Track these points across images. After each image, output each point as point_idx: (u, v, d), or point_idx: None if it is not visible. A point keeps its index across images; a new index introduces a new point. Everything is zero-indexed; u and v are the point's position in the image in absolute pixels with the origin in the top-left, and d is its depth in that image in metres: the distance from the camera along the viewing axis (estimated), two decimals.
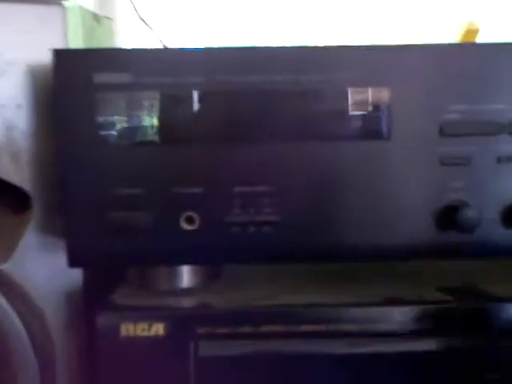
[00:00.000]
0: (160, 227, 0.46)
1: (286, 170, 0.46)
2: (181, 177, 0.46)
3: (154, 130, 0.46)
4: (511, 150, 0.45)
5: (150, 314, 0.46)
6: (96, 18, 0.57)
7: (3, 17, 0.48)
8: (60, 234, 0.49)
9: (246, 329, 0.45)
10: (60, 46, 0.49)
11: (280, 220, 0.46)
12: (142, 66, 0.45)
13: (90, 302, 0.51)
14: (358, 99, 0.45)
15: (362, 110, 0.45)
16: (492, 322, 0.46)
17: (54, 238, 0.51)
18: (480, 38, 0.66)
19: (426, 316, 0.46)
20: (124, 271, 0.53)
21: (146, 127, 0.45)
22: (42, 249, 0.51)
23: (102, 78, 0.45)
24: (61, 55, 0.45)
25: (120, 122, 0.45)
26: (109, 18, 0.61)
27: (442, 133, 0.45)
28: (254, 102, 0.45)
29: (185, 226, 0.46)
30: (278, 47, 0.46)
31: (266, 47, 0.46)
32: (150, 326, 0.45)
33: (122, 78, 0.45)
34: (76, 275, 0.52)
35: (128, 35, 0.76)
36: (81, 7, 0.54)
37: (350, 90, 0.45)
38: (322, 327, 0.45)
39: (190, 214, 0.46)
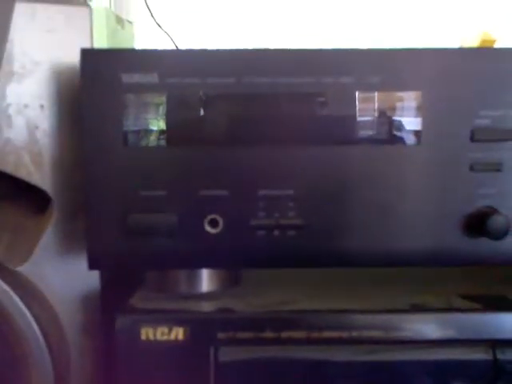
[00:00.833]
0: (184, 230, 0.45)
1: (310, 174, 0.45)
2: (205, 179, 0.45)
3: (178, 131, 0.45)
4: None
5: (170, 317, 0.45)
6: (119, 20, 0.58)
7: (31, 17, 0.48)
8: (79, 237, 0.49)
9: (267, 334, 0.45)
10: (85, 46, 0.48)
11: (304, 224, 0.45)
12: (168, 66, 0.45)
13: (108, 305, 0.51)
14: (388, 103, 0.45)
15: (393, 114, 0.45)
16: None
17: (72, 241, 0.50)
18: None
19: (454, 324, 0.45)
20: (143, 275, 0.52)
21: (168, 128, 0.45)
22: (60, 251, 0.50)
23: (130, 78, 0.45)
24: (89, 55, 0.45)
25: (147, 123, 0.45)
26: (130, 22, 0.62)
27: (473, 138, 0.45)
28: (279, 104, 0.45)
29: (209, 228, 0.45)
30: (306, 49, 0.45)
31: (292, 49, 0.45)
32: (170, 330, 0.45)
33: (150, 78, 0.45)
34: (94, 278, 0.51)
35: (143, 39, 0.77)
36: (106, 9, 0.54)
37: (379, 94, 0.45)
38: (345, 334, 0.45)
39: (214, 216, 0.45)
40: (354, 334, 0.45)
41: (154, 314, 0.46)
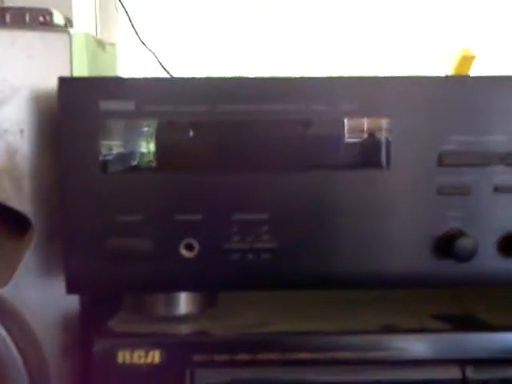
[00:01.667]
0: (160, 254, 0.46)
1: (284, 198, 0.46)
2: (180, 204, 0.46)
3: (155, 157, 0.46)
4: (508, 181, 0.46)
5: (146, 341, 0.46)
6: (100, 44, 0.58)
7: (10, 43, 0.49)
8: (58, 260, 0.49)
9: (243, 356, 0.45)
10: (65, 72, 0.49)
11: (278, 247, 0.46)
12: (145, 94, 0.46)
13: (87, 328, 0.51)
14: (357, 128, 0.46)
15: (360, 139, 0.46)
16: (488, 352, 0.45)
17: (52, 264, 0.50)
18: (476, 66, 0.67)
19: (424, 344, 0.46)
20: (121, 297, 0.53)
21: (146, 154, 0.46)
22: (39, 274, 0.50)
23: (108, 105, 0.45)
24: (66, 83, 0.46)
25: (123, 149, 0.46)
26: (112, 44, 0.62)
27: (441, 163, 0.45)
28: (253, 130, 0.46)
29: (184, 253, 0.46)
30: (278, 77, 0.46)
31: (265, 77, 0.46)
32: (147, 354, 0.45)
33: (127, 105, 0.46)
34: (73, 301, 0.51)
35: (129, 59, 0.78)
36: (86, 34, 0.54)
37: (348, 120, 0.46)
38: (319, 355, 0.45)
39: (189, 240, 0.46)
40: (328, 355, 0.45)
41: (130, 337, 0.47)
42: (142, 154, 0.46)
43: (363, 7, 0.90)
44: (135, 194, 0.46)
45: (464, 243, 0.44)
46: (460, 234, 0.45)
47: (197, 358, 0.45)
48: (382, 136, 0.46)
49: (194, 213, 0.46)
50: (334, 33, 0.90)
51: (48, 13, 0.52)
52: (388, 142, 0.46)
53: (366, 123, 0.46)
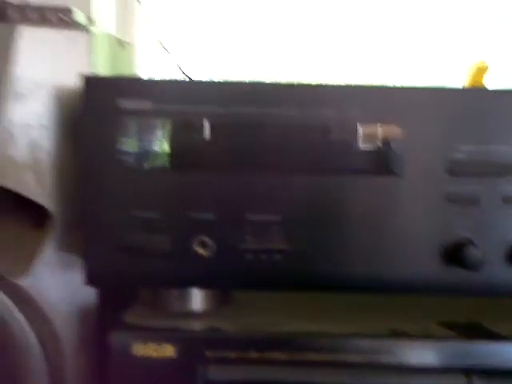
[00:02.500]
0: (175, 250, 0.47)
1: (297, 201, 0.47)
2: (196, 202, 0.47)
3: (172, 155, 0.47)
4: None
5: (160, 334, 0.47)
6: (120, 43, 0.59)
7: (34, 40, 0.50)
8: (77, 252, 0.51)
9: (252, 354, 0.46)
10: (86, 69, 0.50)
11: (290, 249, 0.47)
12: (163, 94, 0.47)
13: (103, 320, 0.52)
14: (371, 136, 0.46)
15: (374, 147, 0.47)
16: (494, 361, 0.46)
17: (71, 256, 0.52)
18: (488, 78, 0.68)
19: (431, 351, 0.46)
20: (137, 292, 0.54)
21: (164, 153, 0.47)
22: (58, 265, 0.52)
23: (127, 103, 0.46)
24: (89, 81, 0.47)
25: (141, 147, 0.47)
26: (131, 44, 0.63)
27: (451, 172, 0.46)
28: (269, 133, 0.47)
29: (198, 250, 0.47)
30: (293, 83, 0.47)
31: (280, 82, 0.47)
32: (161, 347, 0.47)
33: (145, 104, 0.47)
34: (90, 293, 0.52)
35: (146, 59, 0.78)
36: (107, 33, 0.55)
37: (363, 127, 0.46)
38: (327, 356, 0.46)
39: (203, 238, 0.47)
40: (335, 356, 0.46)
41: (145, 330, 0.48)
42: (162, 153, 0.47)
43: (368, 15, 0.90)
44: (153, 191, 0.47)
45: (472, 252, 0.45)
46: (468, 243, 0.46)
47: (209, 353, 0.46)
48: (395, 144, 0.47)
49: (208, 211, 0.47)
50: (341, 42, 0.90)
51: (70, 12, 0.52)
52: (401, 150, 0.46)
53: (379, 131, 0.47)
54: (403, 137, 0.47)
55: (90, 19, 0.54)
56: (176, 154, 0.47)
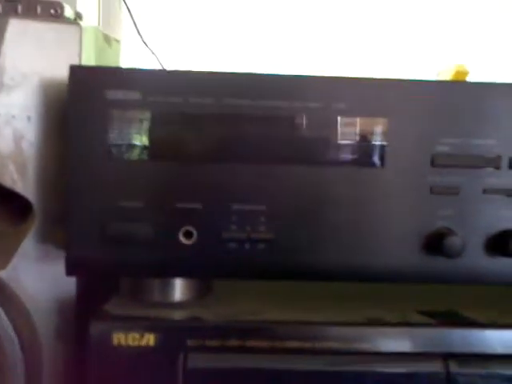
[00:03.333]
0: (159, 240, 0.47)
1: (281, 191, 0.48)
2: (181, 192, 0.47)
3: (157, 146, 0.47)
4: (496, 183, 0.47)
5: (141, 324, 0.47)
6: (107, 39, 0.60)
7: (23, 32, 0.50)
8: (57, 244, 0.51)
9: (233, 343, 0.46)
10: (73, 62, 0.50)
11: (274, 238, 0.47)
12: (151, 85, 0.47)
13: (82, 310, 0.52)
14: (356, 128, 0.48)
15: (359, 139, 0.48)
16: (471, 347, 0.47)
17: (51, 247, 0.51)
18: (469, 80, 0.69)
19: (408, 337, 0.47)
20: (116, 283, 0.54)
21: (149, 143, 0.47)
22: (38, 256, 0.52)
23: (115, 94, 0.47)
24: (77, 71, 0.47)
25: (127, 138, 0.47)
26: (117, 41, 0.64)
27: (434, 163, 0.47)
28: (254, 124, 0.48)
29: (183, 240, 0.47)
30: (282, 75, 0.48)
31: (265, 74, 0.48)
32: (142, 336, 0.46)
33: (133, 95, 0.47)
34: (69, 285, 0.52)
35: (130, 57, 0.79)
36: (95, 28, 0.56)
37: (347, 119, 0.47)
38: (307, 344, 0.46)
39: (188, 228, 0.47)
40: (315, 344, 0.46)
41: (126, 320, 0.47)
42: (146, 144, 0.47)
43: (362, 12, 0.92)
44: (138, 181, 0.47)
45: (453, 241, 0.46)
46: (449, 232, 0.47)
47: (190, 342, 0.46)
48: (378, 136, 0.48)
49: (194, 201, 0.47)
50: (334, 35, 0.92)
51: (59, 6, 0.53)
52: (385, 142, 0.48)
53: (363, 123, 0.48)
54: (387, 129, 0.47)
55: (78, 14, 0.55)
56: (161, 144, 0.47)
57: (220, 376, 0.47)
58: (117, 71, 0.49)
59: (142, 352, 0.46)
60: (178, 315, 0.49)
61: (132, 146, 0.47)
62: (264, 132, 0.48)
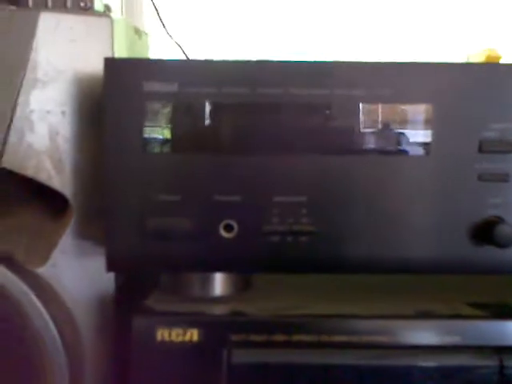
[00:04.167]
0: (199, 234, 0.46)
1: (322, 182, 0.47)
2: (220, 185, 0.47)
3: (195, 138, 0.47)
4: None
5: (184, 319, 0.47)
6: (137, 31, 0.59)
7: (54, 26, 0.50)
8: (96, 239, 0.50)
9: (278, 337, 0.46)
10: (107, 55, 0.50)
11: (317, 230, 0.46)
12: (189, 76, 0.46)
13: (122, 307, 0.52)
14: (399, 115, 0.46)
15: (403, 125, 0.46)
16: None
17: (89, 243, 0.51)
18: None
19: (461, 331, 0.46)
20: (156, 278, 0.53)
21: (187, 136, 0.47)
22: (77, 253, 0.51)
23: (151, 86, 0.46)
24: (112, 63, 0.47)
25: (164, 131, 0.47)
26: (146, 33, 0.63)
27: (481, 149, 0.46)
28: (293, 114, 0.47)
29: (223, 233, 0.47)
30: (314, 61, 0.47)
31: (300, 61, 0.47)
32: (185, 332, 0.46)
33: (171, 87, 0.46)
34: (108, 281, 0.52)
35: (155, 49, 0.78)
36: (126, 21, 0.55)
37: (392, 105, 0.46)
38: (355, 338, 0.46)
39: (228, 221, 0.46)
40: (363, 338, 0.46)
41: (169, 315, 0.47)
42: (186, 136, 0.47)
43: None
44: (175, 175, 0.47)
45: (503, 230, 0.45)
46: (499, 220, 0.46)
47: (234, 337, 0.46)
48: (426, 122, 0.46)
49: (233, 194, 0.46)
50: (359, 18, 0.90)
51: None
52: (430, 128, 0.46)
53: (412, 110, 0.46)
54: (434, 115, 0.46)
55: (107, 6, 0.54)
56: (201, 136, 0.47)
57: (265, 371, 0.46)
58: (153, 63, 0.48)
59: (185, 347, 0.46)
60: (220, 310, 0.49)
61: (167, 139, 0.47)
62: (301, 121, 0.46)
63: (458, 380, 0.46)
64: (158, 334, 0.46)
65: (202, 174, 0.47)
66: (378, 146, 0.46)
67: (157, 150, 0.47)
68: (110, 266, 0.48)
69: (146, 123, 0.46)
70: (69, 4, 0.53)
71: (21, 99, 0.49)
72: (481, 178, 0.46)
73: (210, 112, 0.47)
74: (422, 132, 0.46)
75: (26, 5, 0.52)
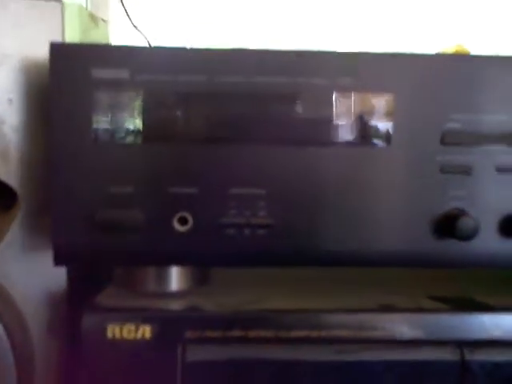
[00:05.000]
0: (152, 227, 0.45)
1: (282, 174, 0.45)
2: (175, 176, 0.45)
3: (149, 128, 0.45)
4: (510, 161, 0.46)
5: (137, 315, 0.45)
6: (93, 18, 0.57)
7: (2, 10, 0.48)
8: (45, 233, 0.48)
9: (235, 333, 0.45)
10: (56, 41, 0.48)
11: (275, 223, 0.45)
12: (140, 63, 0.45)
13: (74, 303, 0.50)
14: (360, 104, 0.45)
15: (363, 116, 0.45)
16: (486, 333, 0.45)
17: (38, 237, 0.50)
18: None
19: (422, 324, 0.45)
20: (110, 273, 0.52)
21: (140, 125, 0.45)
22: (25, 248, 0.50)
23: (101, 73, 0.44)
24: (58, 49, 0.45)
25: (116, 120, 0.45)
26: (105, 21, 0.61)
27: (443, 141, 0.45)
28: (252, 103, 0.45)
29: (177, 226, 0.45)
30: (270, 50, 0.45)
31: (258, 49, 0.45)
32: (137, 329, 0.44)
33: (121, 74, 0.44)
34: (59, 277, 0.50)
35: (119, 39, 0.76)
36: (79, 6, 0.53)
37: (352, 95, 0.45)
38: (314, 333, 0.45)
39: (183, 214, 0.45)
40: (323, 333, 0.45)
41: (120, 311, 0.45)
42: (138, 126, 0.45)
43: None
44: (127, 165, 0.45)
45: (465, 223, 0.44)
46: (462, 213, 0.45)
47: (189, 334, 0.44)
48: (387, 113, 0.45)
49: (189, 186, 0.45)
50: (333, 10, 0.90)
51: None
52: (391, 119, 0.45)
53: (368, 100, 0.45)
54: (393, 105, 0.45)
55: None
56: (153, 126, 0.45)
57: (222, 368, 0.45)
58: (102, 48, 0.46)
59: (138, 345, 0.44)
60: (175, 305, 0.47)
61: (119, 128, 0.45)
62: (260, 111, 0.45)
63: (420, 374, 0.45)
64: (109, 331, 0.44)
65: (155, 165, 0.45)
66: (340, 138, 0.45)
67: (108, 140, 0.45)
68: (58, 260, 0.46)
69: (95, 112, 0.44)
70: None
71: None
72: (443, 170, 0.45)
73: (165, 101, 0.45)
74: (383, 123, 0.45)
75: None
